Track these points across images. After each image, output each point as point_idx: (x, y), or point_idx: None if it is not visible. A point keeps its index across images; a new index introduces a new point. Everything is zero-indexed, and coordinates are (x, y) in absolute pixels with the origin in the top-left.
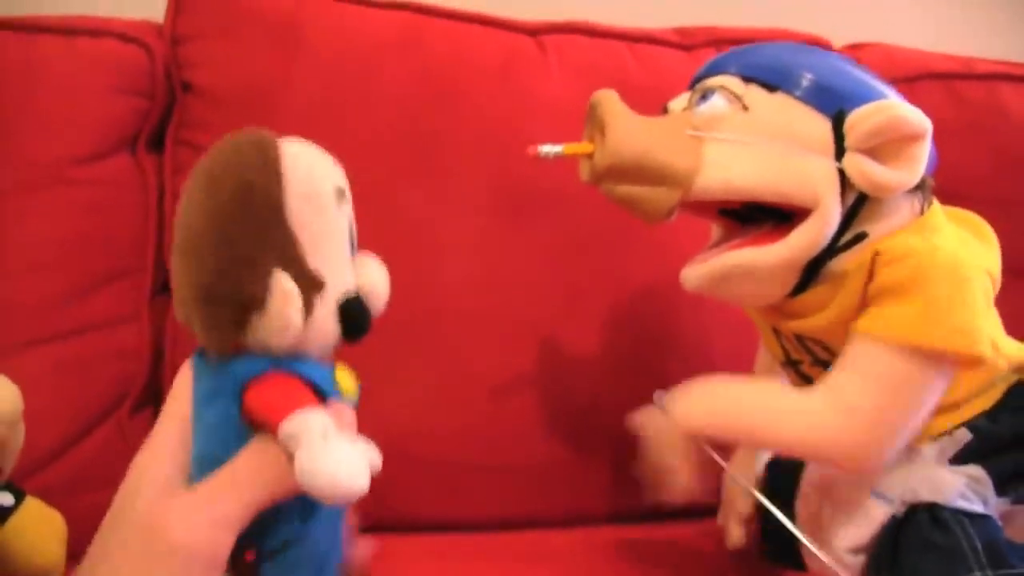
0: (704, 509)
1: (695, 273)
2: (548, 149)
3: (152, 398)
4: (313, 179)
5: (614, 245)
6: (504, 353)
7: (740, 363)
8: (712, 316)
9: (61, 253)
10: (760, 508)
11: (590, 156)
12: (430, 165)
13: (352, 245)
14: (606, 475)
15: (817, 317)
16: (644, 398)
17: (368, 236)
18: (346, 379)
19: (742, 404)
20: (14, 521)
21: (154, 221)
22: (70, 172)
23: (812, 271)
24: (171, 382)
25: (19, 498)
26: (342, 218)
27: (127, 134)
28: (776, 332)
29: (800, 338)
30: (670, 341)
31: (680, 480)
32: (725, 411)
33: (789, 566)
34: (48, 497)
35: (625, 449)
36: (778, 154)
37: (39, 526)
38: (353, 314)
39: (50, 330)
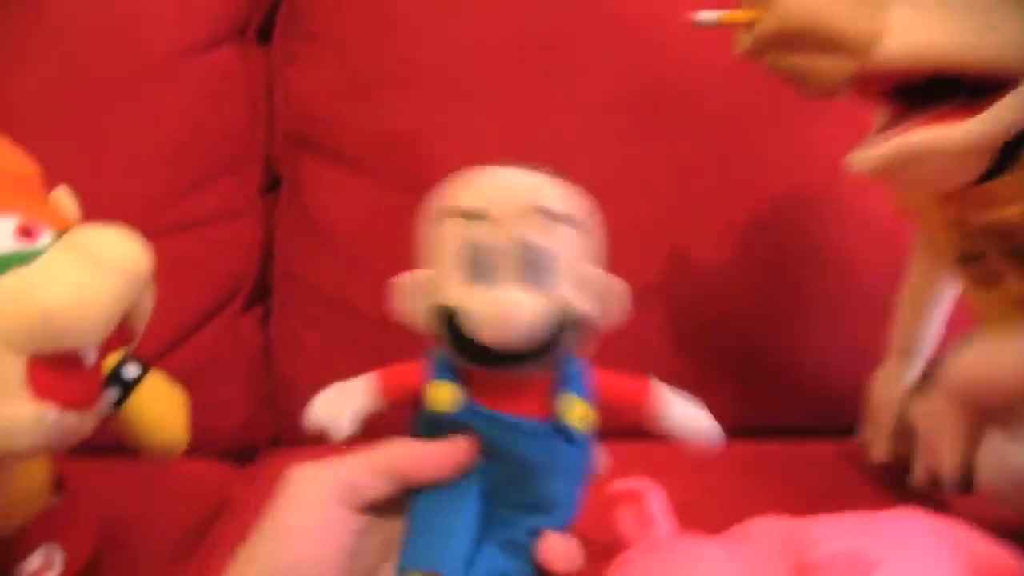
0: (842, 429)
1: (872, 155)
2: (705, 17)
3: (262, 295)
4: None
5: (749, 150)
6: (632, 263)
7: (885, 276)
8: (855, 225)
9: (172, 146)
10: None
11: (750, 25)
12: (553, 66)
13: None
14: (735, 390)
15: (1013, 208)
16: (778, 312)
17: (488, 141)
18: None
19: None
20: (140, 393)
21: (263, 114)
22: (181, 63)
23: (1009, 153)
24: (281, 281)
25: (144, 371)
26: None
27: (236, 24)
28: (953, 224)
29: (990, 226)
30: (808, 252)
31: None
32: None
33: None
34: None
35: (755, 362)
36: (979, 13)
37: (164, 401)
38: None
39: (161, 224)
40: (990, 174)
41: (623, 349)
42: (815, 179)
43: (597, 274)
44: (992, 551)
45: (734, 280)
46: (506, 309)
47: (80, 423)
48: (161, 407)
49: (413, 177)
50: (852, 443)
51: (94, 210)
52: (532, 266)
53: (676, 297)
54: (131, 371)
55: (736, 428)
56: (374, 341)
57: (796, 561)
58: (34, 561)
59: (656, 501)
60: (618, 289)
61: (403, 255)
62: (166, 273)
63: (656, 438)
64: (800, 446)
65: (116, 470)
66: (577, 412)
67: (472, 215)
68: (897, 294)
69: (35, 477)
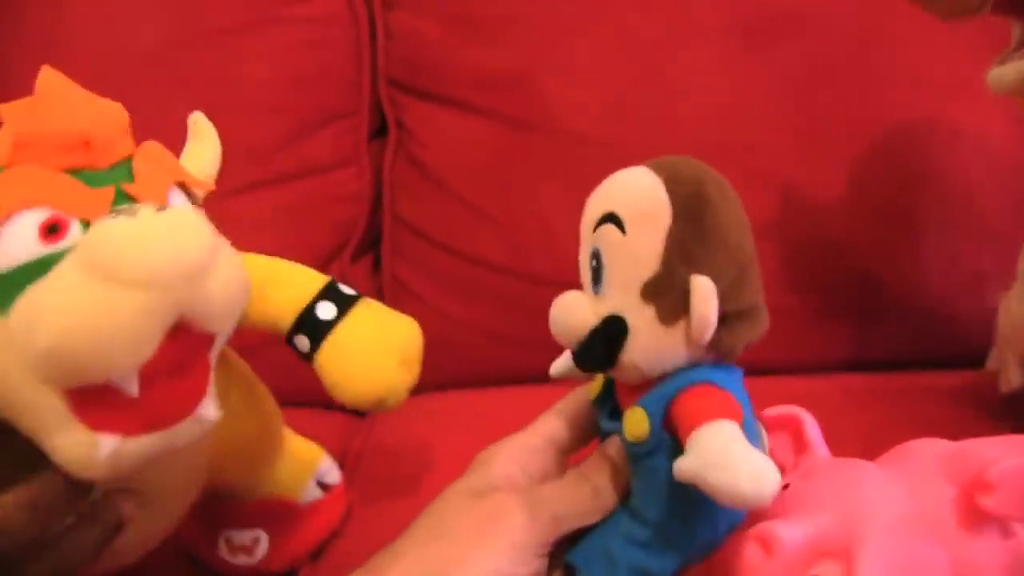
0: (965, 360)
1: (1012, 72)
2: None
3: (373, 243)
4: None
5: (865, 75)
6: (744, 190)
7: (1005, 202)
8: (972, 151)
9: (278, 94)
10: None
11: None
12: None
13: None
14: (852, 321)
15: None
16: (896, 241)
17: (597, 75)
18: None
19: None
20: (336, 337)
21: (368, 60)
22: (283, 10)
23: None
24: (391, 228)
25: (347, 306)
26: None
27: None
28: None
29: None
30: (927, 181)
31: None
32: None
33: None
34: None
35: (873, 294)
36: None
37: (366, 344)
38: None
39: (270, 173)
40: None
41: None
42: (931, 105)
43: (664, 279)
44: None
45: (850, 210)
46: (552, 311)
47: (171, 438)
48: (361, 353)
49: (522, 116)
50: (977, 374)
51: None
52: (594, 271)
53: (791, 228)
54: (325, 311)
55: (856, 361)
56: (487, 286)
57: (966, 479)
58: (244, 537)
59: (812, 426)
60: (701, 291)
61: (514, 196)
62: (275, 223)
63: (779, 372)
64: (924, 377)
65: None
66: (630, 424)
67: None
68: (1020, 221)
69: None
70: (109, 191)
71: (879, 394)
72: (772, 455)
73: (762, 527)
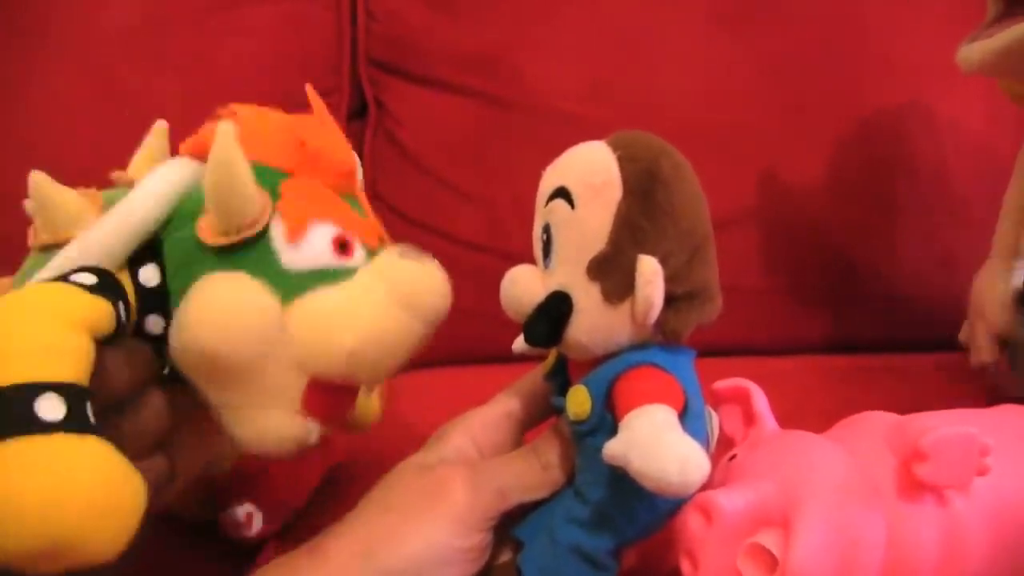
0: (937, 342)
1: (981, 49)
2: None
3: None
4: None
5: (843, 59)
6: (723, 171)
7: (978, 186)
8: (948, 135)
9: (259, 72)
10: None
11: None
12: None
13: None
14: (827, 303)
15: None
16: (872, 223)
17: (575, 55)
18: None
19: None
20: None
21: (348, 39)
22: None
23: None
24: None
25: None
26: None
27: None
28: None
29: None
30: (901, 164)
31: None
32: None
33: None
34: None
35: (849, 276)
36: None
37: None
38: None
39: None
40: None
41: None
42: (907, 89)
43: (611, 257)
44: None
45: (826, 192)
46: (504, 285)
47: (330, 430)
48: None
49: (501, 96)
50: (950, 355)
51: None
52: (544, 245)
53: (768, 210)
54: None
55: (830, 343)
56: (465, 264)
57: (905, 449)
58: (239, 513)
59: (760, 399)
60: (645, 271)
61: (492, 175)
62: None
63: (755, 353)
64: (897, 358)
65: None
66: (572, 402)
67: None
68: (991, 202)
69: None
70: (375, 222)
71: (852, 374)
72: (722, 427)
73: (703, 496)
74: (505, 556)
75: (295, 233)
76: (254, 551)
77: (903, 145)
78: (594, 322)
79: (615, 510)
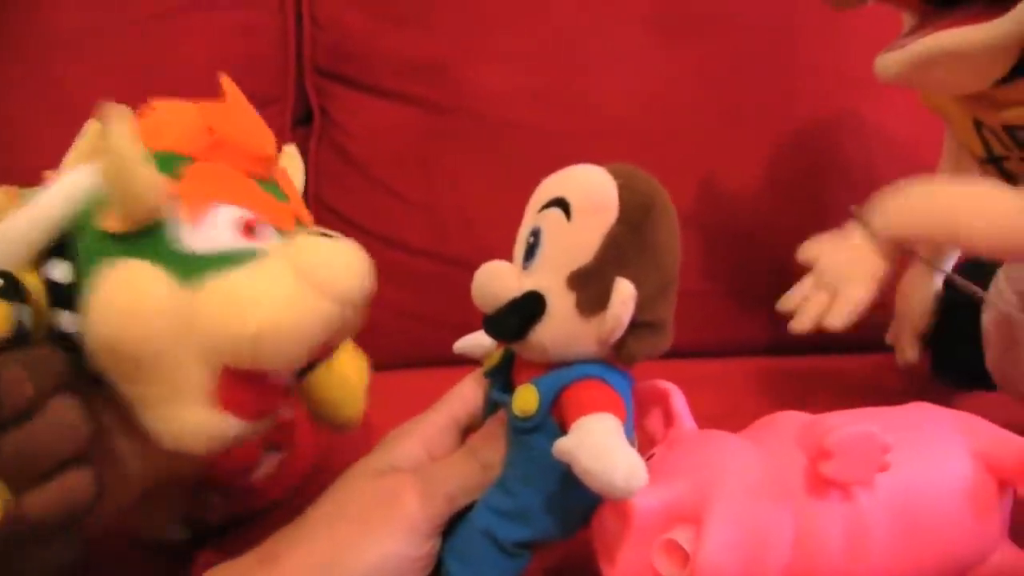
0: (868, 344)
1: (895, 59)
2: None
3: None
4: None
5: (777, 67)
6: (662, 176)
7: None
8: (878, 142)
9: (205, 79)
10: (934, 327)
11: None
12: None
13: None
14: (766, 305)
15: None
16: (804, 227)
17: (519, 63)
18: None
19: (951, 201)
20: (324, 368)
21: (293, 47)
22: None
23: None
24: (314, 212)
25: None
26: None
27: None
28: (978, 125)
29: (1010, 129)
30: (834, 169)
31: (855, 306)
32: (929, 209)
33: (966, 387)
34: None
35: (785, 279)
36: None
37: (347, 375)
38: None
39: None
40: (1013, 75)
41: None
42: (840, 97)
43: (593, 273)
44: (1002, 436)
45: (763, 197)
46: (477, 275)
47: (256, 429)
48: (344, 383)
49: (444, 103)
50: (881, 356)
51: None
52: (529, 247)
53: (706, 215)
54: None
55: (765, 345)
56: (408, 269)
57: (812, 447)
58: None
59: (679, 400)
60: (622, 292)
61: (435, 182)
62: None
63: (693, 355)
64: (832, 359)
65: None
66: (519, 399)
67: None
68: None
69: None
70: (294, 207)
71: (789, 376)
72: (644, 426)
73: None
74: None
75: (195, 215)
76: (185, 555)
77: (835, 151)
78: (561, 328)
79: (538, 507)
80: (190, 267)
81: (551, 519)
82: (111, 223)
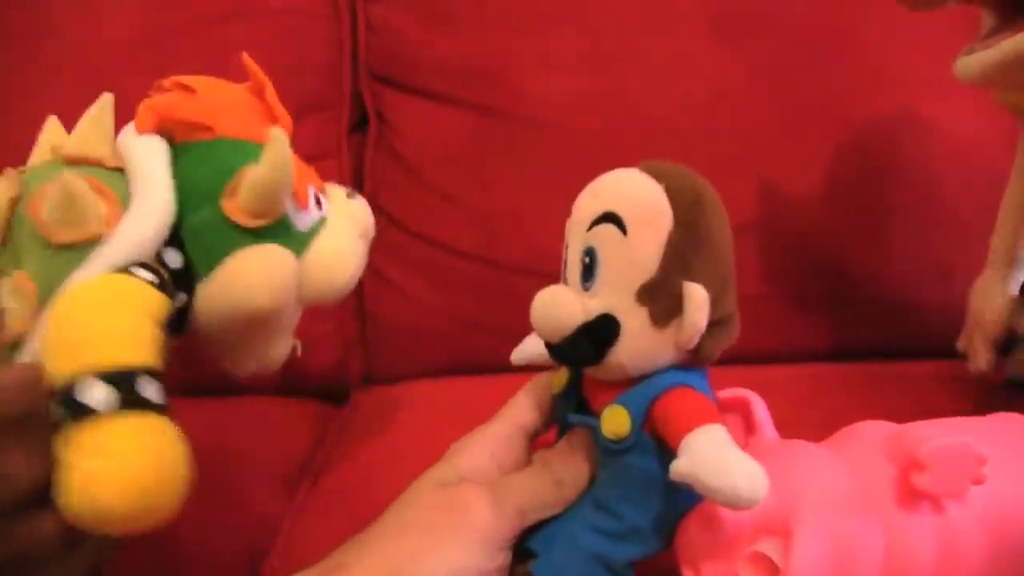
0: (935, 350)
1: (980, 59)
2: None
3: None
4: None
5: (837, 68)
6: (718, 180)
7: (973, 194)
8: (938, 144)
9: None
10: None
11: None
12: None
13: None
14: (825, 310)
15: None
16: (866, 232)
17: (572, 65)
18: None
19: None
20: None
21: (348, 51)
22: (266, 1)
23: None
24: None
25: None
26: None
27: None
28: None
29: None
30: (894, 173)
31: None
32: None
33: None
34: None
35: (845, 282)
36: None
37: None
38: None
39: None
40: None
41: None
42: (902, 98)
43: (661, 283)
44: None
45: (821, 200)
46: (537, 304)
47: None
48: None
49: (499, 107)
50: (945, 364)
51: None
52: (585, 268)
53: (763, 218)
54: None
55: (827, 351)
56: (463, 275)
57: (903, 458)
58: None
59: (761, 408)
60: (696, 298)
61: (490, 187)
62: None
63: (753, 361)
64: (895, 366)
65: (219, 409)
66: (609, 421)
67: (570, 217)
68: (984, 211)
69: None
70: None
71: (848, 382)
72: None
73: (705, 506)
74: (517, 569)
75: (302, 201)
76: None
77: (896, 153)
78: (639, 345)
79: (646, 524)
80: (302, 242)
81: (659, 534)
82: (244, 218)
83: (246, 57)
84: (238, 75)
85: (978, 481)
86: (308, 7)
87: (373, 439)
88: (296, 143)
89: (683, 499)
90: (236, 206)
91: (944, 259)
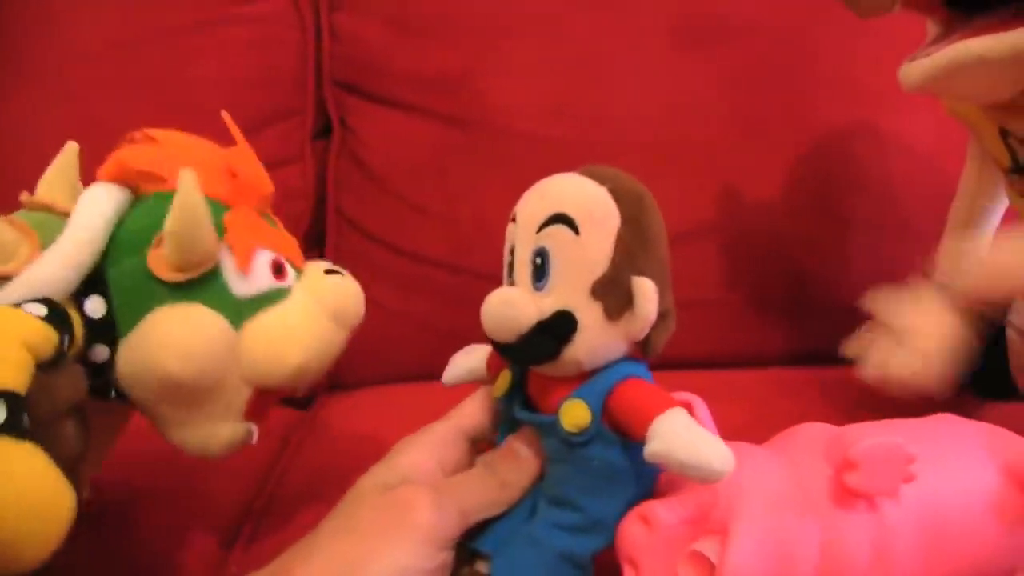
0: None
1: (921, 67)
2: None
3: (317, 240)
4: None
5: (798, 80)
6: (681, 186)
7: (929, 204)
8: (896, 153)
9: (225, 93)
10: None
11: None
12: None
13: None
14: (784, 315)
15: None
16: (824, 239)
17: (537, 75)
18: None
19: None
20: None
21: (312, 61)
22: (231, 10)
23: None
24: (334, 224)
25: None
26: None
27: None
28: (1004, 134)
29: None
30: (852, 179)
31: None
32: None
33: (990, 398)
34: None
35: (805, 290)
36: None
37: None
38: None
39: None
40: None
41: (674, 272)
42: (860, 107)
43: (613, 279)
44: None
45: (782, 207)
46: (490, 306)
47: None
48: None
49: (462, 115)
50: None
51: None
52: (537, 268)
53: (725, 225)
54: None
55: (787, 355)
56: (427, 281)
57: (838, 459)
58: None
59: (703, 411)
60: (646, 291)
61: (453, 194)
62: None
63: (714, 366)
64: (850, 371)
65: None
66: (569, 415)
67: (512, 219)
68: (938, 218)
69: None
70: (289, 236)
71: (810, 386)
72: None
73: (644, 506)
74: (462, 569)
75: (244, 264)
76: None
77: (855, 163)
78: (595, 339)
79: (611, 514)
80: (241, 310)
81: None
82: (166, 270)
83: (225, 115)
84: (201, 85)
85: (908, 479)
86: (273, 16)
87: (336, 444)
88: (261, 150)
89: (642, 488)
90: (159, 257)
91: (900, 267)
